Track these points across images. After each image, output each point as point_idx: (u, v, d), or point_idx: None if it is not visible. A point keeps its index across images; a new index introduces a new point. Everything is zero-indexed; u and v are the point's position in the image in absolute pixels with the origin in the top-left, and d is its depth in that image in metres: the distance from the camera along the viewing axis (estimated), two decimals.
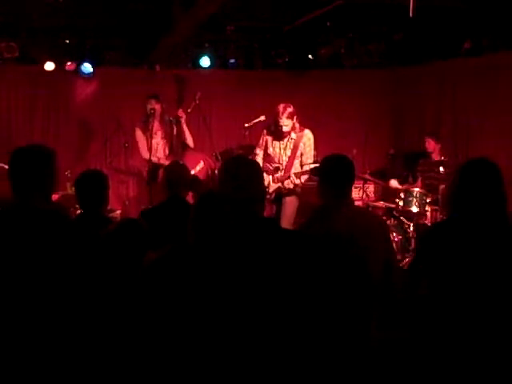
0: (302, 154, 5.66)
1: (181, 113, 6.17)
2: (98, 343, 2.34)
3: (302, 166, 5.67)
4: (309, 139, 5.68)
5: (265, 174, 5.78)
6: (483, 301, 2.35)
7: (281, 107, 5.54)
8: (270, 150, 5.80)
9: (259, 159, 5.85)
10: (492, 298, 2.36)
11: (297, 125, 5.67)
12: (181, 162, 5.00)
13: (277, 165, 5.74)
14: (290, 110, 5.54)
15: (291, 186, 5.64)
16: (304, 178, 5.67)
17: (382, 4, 6.19)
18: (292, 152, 5.67)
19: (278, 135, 5.70)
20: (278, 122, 5.57)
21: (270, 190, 5.73)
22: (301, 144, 5.67)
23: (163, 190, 4.17)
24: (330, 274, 2.34)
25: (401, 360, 2.53)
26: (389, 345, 2.71)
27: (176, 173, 4.13)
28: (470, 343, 2.34)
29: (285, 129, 5.59)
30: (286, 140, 5.70)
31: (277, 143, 5.74)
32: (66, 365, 2.32)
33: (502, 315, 2.34)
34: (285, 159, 5.71)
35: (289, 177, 5.64)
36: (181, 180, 4.07)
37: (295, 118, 5.62)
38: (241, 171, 2.12)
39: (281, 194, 5.73)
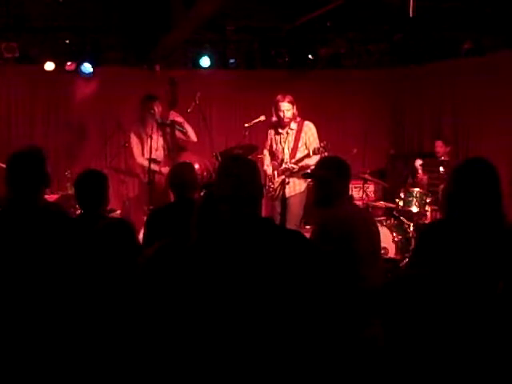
0: (306, 146, 5.60)
1: (172, 114, 6.10)
2: (92, 340, 2.34)
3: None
4: (310, 129, 5.65)
5: (271, 171, 5.79)
6: (479, 301, 2.35)
7: (279, 95, 5.57)
8: (274, 147, 5.81)
9: (266, 160, 5.84)
10: (488, 298, 2.36)
11: (296, 113, 5.64)
12: (184, 162, 4.96)
13: (280, 156, 5.74)
14: (289, 96, 5.55)
15: (295, 171, 5.56)
16: (314, 159, 5.48)
17: (382, 4, 6.19)
18: (294, 143, 5.64)
19: (280, 125, 5.67)
20: (279, 108, 5.55)
21: (275, 186, 5.72)
22: (302, 134, 5.63)
23: (169, 192, 4.17)
24: (328, 272, 2.34)
25: (396, 360, 2.53)
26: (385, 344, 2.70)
27: (181, 174, 4.12)
28: (466, 341, 2.34)
29: (287, 114, 5.54)
30: (285, 131, 5.67)
31: (278, 137, 5.74)
32: (59, 361, 2.33)
33: (497, 316, 2.34)
34: (287, 151, 5.69)
35: (288, 169, 5.61)
36: (186, 181, 4.05)
37: (294, 106, 5.60)
38: (237, 170, 2.12)
39: (285, 189, 5.71)
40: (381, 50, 7.74)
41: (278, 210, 5.78)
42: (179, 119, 6.13)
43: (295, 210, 5.69)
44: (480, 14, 6.18)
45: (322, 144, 5.46)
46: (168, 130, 6.15)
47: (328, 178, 3.23)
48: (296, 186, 5.72)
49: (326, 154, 5.39)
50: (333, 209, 3.20)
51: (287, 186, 5.70)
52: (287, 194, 5.73)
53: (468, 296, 2.35)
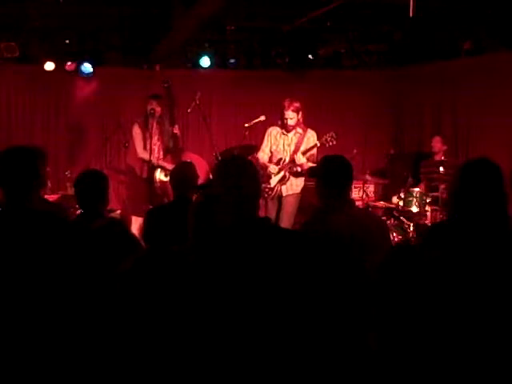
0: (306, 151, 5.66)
1: (176, 129, 6.14)
2: (87, 341, 2.33)
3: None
4: (312, 135, 5.72)
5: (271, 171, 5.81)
6: (481, 304, 2.35)
7: (287, 101, 5.62)
8: (274, 148, 5.82)
9: (263, 161, 5.85)
10: (490, 301, 2.35)
11: (301, 119, 5.69)
12: (187, 161, 4.96)
13: (280, 156, 5.75)
14: (295, 104, 5.61)
15: (301, 162, 5.59)
16: (311, 153, 5.62)
17: (382, 4, 6.19)
18: (295, 147, 5.69)
19: (284, 129, 5.72)
20: (284, 114, 5.62)
21: (272, 185, 5.73)
22: (305, 139, 5.69)
23: (168, 191, 4.19)
24: (328, 273, 2.34)
25: (399, 363, 2.52)
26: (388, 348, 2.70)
27: (183, 173, 4.14)
28: (469, 346, 2.33)
29: (290, 122, 5.62)
30: (290, 135, 5.72)
31: (281, 140, 5.76)
32: (55, 363, 2.33)
33: (501, 318, 2.34)
34: (288, 154, 5.72)
35: (293, 161, 5.63)
36: (188, 180, 4.07)
37: (300, 113, 5.66)
38: (235, 171, 2.12)
39: (283, 184, 5.72)
40: (381, 50, 7.74)
41: (272, 208, 5.79)
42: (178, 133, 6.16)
43: (289, 209, 5.73)
44: (480, 14, 6.18)
45: (329, 134, 5.51)
46: (171, 140, 6.11)
47: (316, 186, 3.23)
48: (293, 186, 5.75)
49: (334, 142, 5.50)
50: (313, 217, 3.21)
51: (285, 186, 5.72)
52: (284, 193, 5.75)
53: (471, 299, 2.34)
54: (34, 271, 2.42)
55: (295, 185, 5.75)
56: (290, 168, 5.70)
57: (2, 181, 2.59)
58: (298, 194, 5.78)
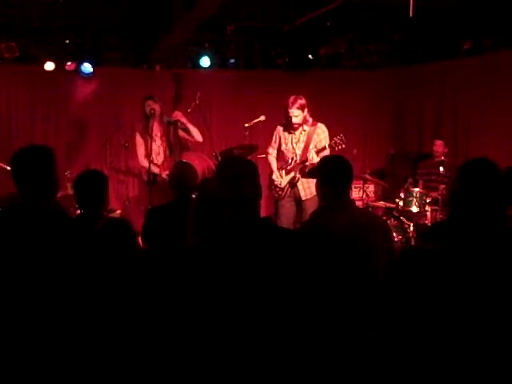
0: (317, 148, 5.55)
1: (176, 114, 6.05)
2: (90, 340, 2.34)
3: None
4: (323, 131, 5.60)
5: (278, 171, 5.76)
6: (481, 302, 2.35)
7: (291, 98, 5.48)
8: (283, 147, 5.73)
9: (272, 158, 5.81)
10: (490, 299, 2.35)
11: (309, 118, 5.58)
12: (185, 161, 4.96)
13: (291, 155, 5.67)
14: (300, 101, 5.47)
15: (314, 161, 5.41)
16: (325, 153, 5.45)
17: (382, 4, 6.20)
18: (305, 144, 5.57)
19: (290, 127, 5.62)
20: (288, 113, 5.50)
21: (283, 185, 5.70)
22: (314, 136, 5.57)
23: (171, 190, 4.20)
24: (328, 273, 2.34)
25: (400, 365, 2.52)
26: (389, 349, 2.70)
27: (182, 173, 4.14)
28: (469, 342, 2.34)
29: (295, 120, 5.48)
30: (298, 133, 5.60)
31: (289, 138, 5.67)
32: (58, 361, 2.33)
33: (500, 317, 2.34)
34: (298, 152, 5.62)
35: (304, 161, 5.53)
36: (187, 180, 4.07)
37: (306, 110, 5.54)
38: (236, 172, 2.12)
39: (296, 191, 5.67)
40: (381, 50, 7.74)
41: (292, 211, 5.72)
42: (183, 120, 6.10)
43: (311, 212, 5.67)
44: (480, 14, 6.19)
45: (338, 137, 5.45)
46: (171, 129, 6.12)
47: (316, 186, 3.26)
48: (311, 188, 5.63)
49: (343, 146, 5.42)
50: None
51: (302, 189, 5.65)
52: (303, 197, 5.64)
53: (471, 298, 2.34)
54: (45, 268, 2.44)
55: (312, 186, 5.65)
56: (300, 169, 5.59)
57: (18, 180, 2.59)
58: (315, 195, 5.70)
